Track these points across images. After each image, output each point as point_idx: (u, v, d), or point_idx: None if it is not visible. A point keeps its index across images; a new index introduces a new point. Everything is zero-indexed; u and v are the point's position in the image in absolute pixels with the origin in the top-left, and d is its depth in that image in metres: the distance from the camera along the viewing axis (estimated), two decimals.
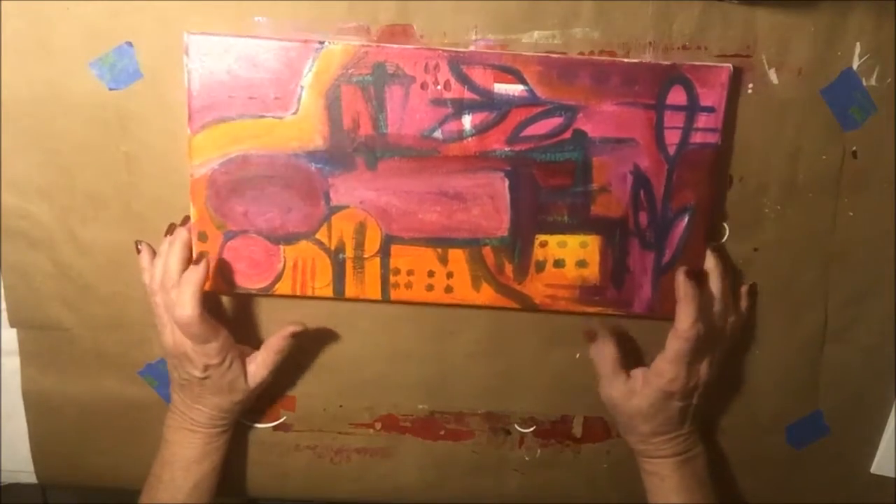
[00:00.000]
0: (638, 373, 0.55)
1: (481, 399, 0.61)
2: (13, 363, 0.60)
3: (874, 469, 0.61)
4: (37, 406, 0.61)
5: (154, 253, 0.55)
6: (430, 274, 0.54)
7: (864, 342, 0.58)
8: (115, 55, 0.52)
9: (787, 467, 0.62)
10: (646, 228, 0.53)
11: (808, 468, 0.62)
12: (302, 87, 0.50)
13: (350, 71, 0.50)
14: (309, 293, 0.54)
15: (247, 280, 0.54)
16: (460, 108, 0.51)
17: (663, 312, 0.54)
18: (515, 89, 0.50)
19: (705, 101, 0.51)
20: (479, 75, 0.50)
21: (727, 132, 0.52)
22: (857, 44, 0.51)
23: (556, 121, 0.51)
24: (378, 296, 0.54)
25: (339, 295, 0.54)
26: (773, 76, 0.52)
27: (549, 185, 0.52)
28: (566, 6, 0.51)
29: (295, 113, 0.50)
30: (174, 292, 0.51)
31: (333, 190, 0.52)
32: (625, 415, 0.55)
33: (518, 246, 0.53)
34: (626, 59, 0.50)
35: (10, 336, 0.59)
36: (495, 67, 0.50)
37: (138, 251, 0.54)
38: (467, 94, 0.50)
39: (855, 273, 0.57)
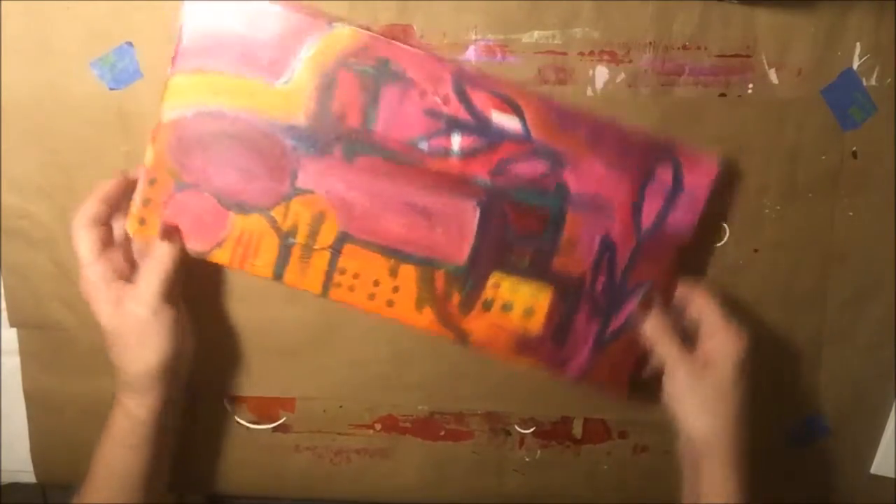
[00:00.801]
0: (698, 350, 0.50)
1: (481, 399, 0.61)
2: (13, 363, 0.60)
3: (874, 469, 0.61)
4: (37, 406, 0.61)
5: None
6: (376, 283, 0.52)
7: (864, 342, 0.58)
8: (116, 55, 0.52)
9: (787, 468, 0.62)
10: (600, 294, 0.52)
11: (809, 468, 0.62)
12: (300, 60, 0.48)
13: (353, 58, 0.49)
14: (247, 269, 0.52)
15: (185, 238, 0.51)
16: (453, 126, 0.50)
17: (596, 381, 0.54)
18: (511, 122, 0.49)
19: (689, 188, 0.51)
20: (479, 98, 0.49)
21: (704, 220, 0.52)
22: (857, 44, 0.51)
23: (542, 164, 0.50)
24: (317, 290, 0.52)
25: (277, 278, 0.52)
26: (773, 76, 0.52)
27: (518, 227, 0.51)
28: (566, 6, 0.51)
29: (286, 83, 0.49)
30: None
31: (303, 171, 0.50)
32: (699, 397, 0.49)
33: (472, 279, 0.52)
34: (625, 125, 0.50)
35: (11, 336, 0.59)
36: (497, 95, 0.49)
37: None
38: (463, 114, 0.49)
39: (855, 273, 0.57)
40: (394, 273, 0.52)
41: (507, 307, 0.52)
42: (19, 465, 0.63)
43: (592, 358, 0.53)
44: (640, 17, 0.51)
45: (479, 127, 0.50)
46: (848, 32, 0.51)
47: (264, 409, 0.61)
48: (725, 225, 0.55)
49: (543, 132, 0.50)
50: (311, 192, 0.50)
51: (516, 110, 0.49)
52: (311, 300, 0.57)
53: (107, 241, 0.50)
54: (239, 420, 0.61)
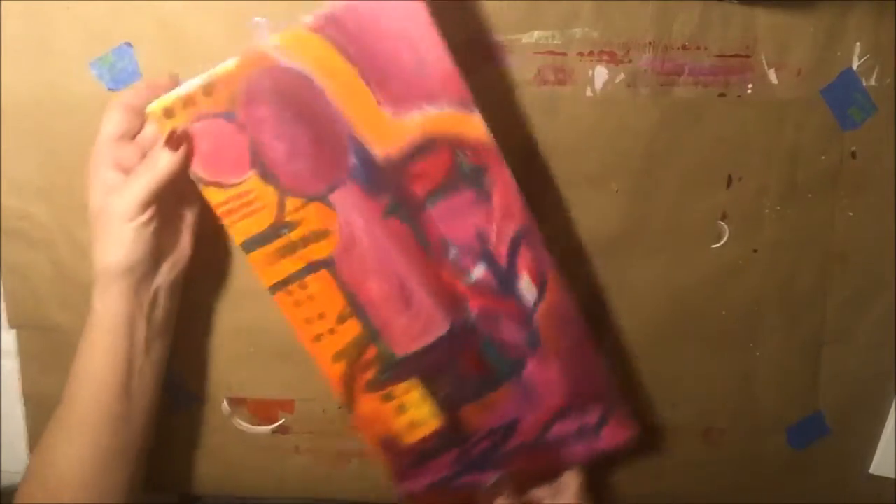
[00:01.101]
0: None
1: None
2: (13, 364, 0.60)
3: (874, 469, 0.61)
4: (37, 407, 0.61)
5: None
6: (321, 316, 0.51)
7: (864, 342, 0.58)
8: (115, 56, 0.52)
9: (787, 468, 0.62)
10: (474, 454, 0.54)
11: (809, 468, 0.62)
12: (423, 112, 0.47)
13: (462, 147, 0.48)
14: (227, 223, 0.49)
15: (195, 157, 0.47)
16: (486, 258, 0.50)
17: None
18: (530, 293, 0.50)
19: (601, 438, 0.54)
20: (524, 256, 0.50)
21: None
22: (857, 44, 0.51)
23: (523, 339, 0.52)
24: (268, 283, 0.50)
25: (245, 250, 0.50)
26: (772, 76, 0.52)
27: (463, 365, 0.52)
28: (566, 6, 0.51)
29: (395, 117, 0.47)
30: None
31: (342, 190, 0.49)
32: None
33: (394, 372, 0.52)
34: (600, 356, 0.52)
35: (10, 337, 0.59)
36: (538, 264, 0.50)
37: None
38: (501, 257, 0.50)
39: (854, 273, 0.57)
40: (341, 320, 0.51)
41: (401, 409, 0.53)
42: (19, 467, 0.62)
43: (427, 490, 0.55)
44: (639, 18, 0.51)
45: (504, 276, 0.50)
46: (847, 32, 0.51)
47: (263, 410, 0.61)
48: (725, 225, 0.55)
49: (546, 319, 0.51)
50: (334, 210, 0.49)
51: (541, 288, 0.50)
52: None
53: (131, 132, 0.48)
54: (238, 421, 0.61)
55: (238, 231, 0.49)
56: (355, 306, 0.51)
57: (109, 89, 0.52)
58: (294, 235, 0.49)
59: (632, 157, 0.54)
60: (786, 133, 0.53)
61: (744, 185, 0.54)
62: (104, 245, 0.47)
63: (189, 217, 0.51)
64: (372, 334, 0.51)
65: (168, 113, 0.46)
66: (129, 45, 0.51)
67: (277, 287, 0.50)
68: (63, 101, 0.52)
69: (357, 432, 0.61)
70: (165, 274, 0.50)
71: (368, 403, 0.53)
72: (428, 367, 0.52)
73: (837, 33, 0.51)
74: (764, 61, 0.52)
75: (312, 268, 0.50)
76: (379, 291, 0.50)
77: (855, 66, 0.52)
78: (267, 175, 0.48)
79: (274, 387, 0.60)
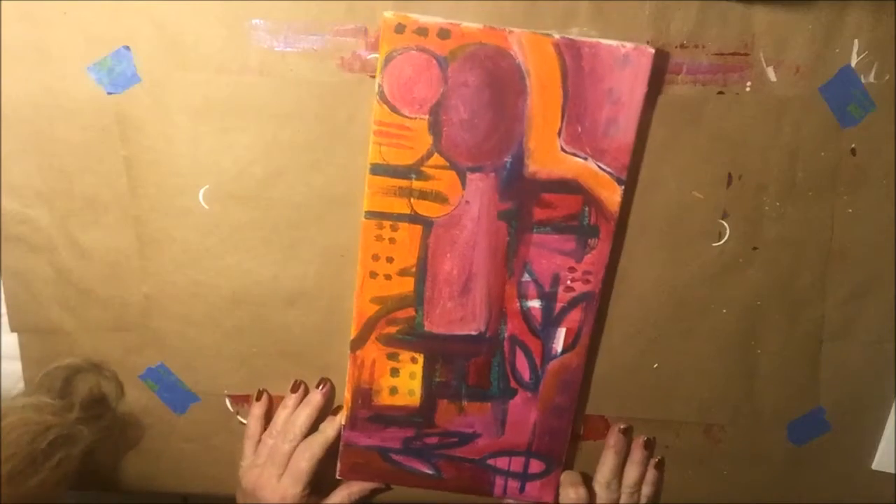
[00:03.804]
0: None
1: None
2: (14, 367, 0.60)
3: (875, 465, 0.62)
4: None
5: (269, 402, 0.60)
6: (389, 259, 0.54)
7: (864, 338, 0.58)
8: (113, 59, 0.52)
9: (788, 464, 0.62)
10: (419, 444, 0.59)
11: (810, 465, 0.62)
12: (584, 163, 0.51)
13: (595, 206, 0.52)
14: (371, 139, 0.51)
15: (389, 75, 0.50)
16: (545, 298, 0.54)
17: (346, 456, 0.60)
18: (556, 346, 0.56)
19: (528, 490, 0.60)
20: (574, 315, 0.55)
21: None
22: (855, 41, 0.51)
23: (528, 376, 0.57)
24: (370, 207, 0.53)
25: (371, 171, 0.52)
26: (771, 74, 0.52)
27: (471, 367, 0.56)
28: (564, 6, 0.51)
29: (563, 151, 0.51)
30: (288, 444, 0.57)
31: (482, 175, 0.52)
32: None
33: (414, 340, 0.56)
34: (569, 432, 0.58)
35: (11, 340, 0.59)
36: (577, 327, 0.55)
37: (258, 398, 0.60)
38: (558, 303, 0.55)
39: (854, 270, 0.57)
40: (403, 273, 0.54)
41: (394, 373, 0.57)
42: None
43: (365, 450, 0.59)
44: (637, 17, 0.51)
45: (549, 320, 0.55)
46: (846, 29, 0.51)
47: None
48: (725, 223, 0.55)
49: (554, 373, 0.56)
50: (464, 187, 0.52)
51: (569, 347, 0.56)
52: (311, 301, 0.57)
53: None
54: (241, 420, 0.61)
55: (377, 153, 0.52)
56: (421, 270, 0.54)
57: (108, 93, 0.52)
58: (418, 185, 0.52)
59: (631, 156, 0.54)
60: (785, 131, 0.53)
61: (743, 183, 0.54)
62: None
63: None
64: (418, 300, 0.55)
65: (399, 28, 0.49)
66: (127, 48, 0.51)
67: (374, 215, 0.53)
68: (62, 105, 0.52)
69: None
70: None
71: (372, 352, 0.56)
72: (442, 352, 0.56)
73: (836, 30, 0.51)
74: (762, 59, 0.52)
75: (413, 218, 0.53)
76: (449, 271, 0.54)
77: (853, 63, 0.52)
78: (435, 126, 0.51)
79: (276, 385, 0.60)
